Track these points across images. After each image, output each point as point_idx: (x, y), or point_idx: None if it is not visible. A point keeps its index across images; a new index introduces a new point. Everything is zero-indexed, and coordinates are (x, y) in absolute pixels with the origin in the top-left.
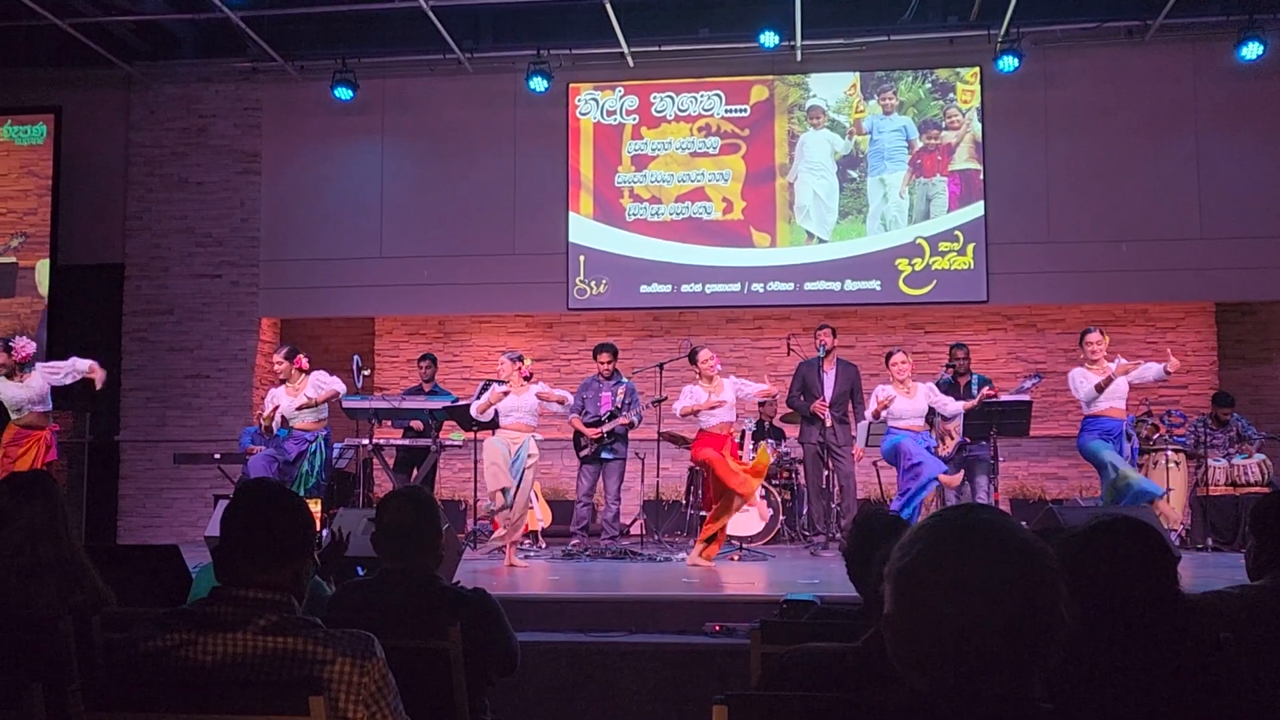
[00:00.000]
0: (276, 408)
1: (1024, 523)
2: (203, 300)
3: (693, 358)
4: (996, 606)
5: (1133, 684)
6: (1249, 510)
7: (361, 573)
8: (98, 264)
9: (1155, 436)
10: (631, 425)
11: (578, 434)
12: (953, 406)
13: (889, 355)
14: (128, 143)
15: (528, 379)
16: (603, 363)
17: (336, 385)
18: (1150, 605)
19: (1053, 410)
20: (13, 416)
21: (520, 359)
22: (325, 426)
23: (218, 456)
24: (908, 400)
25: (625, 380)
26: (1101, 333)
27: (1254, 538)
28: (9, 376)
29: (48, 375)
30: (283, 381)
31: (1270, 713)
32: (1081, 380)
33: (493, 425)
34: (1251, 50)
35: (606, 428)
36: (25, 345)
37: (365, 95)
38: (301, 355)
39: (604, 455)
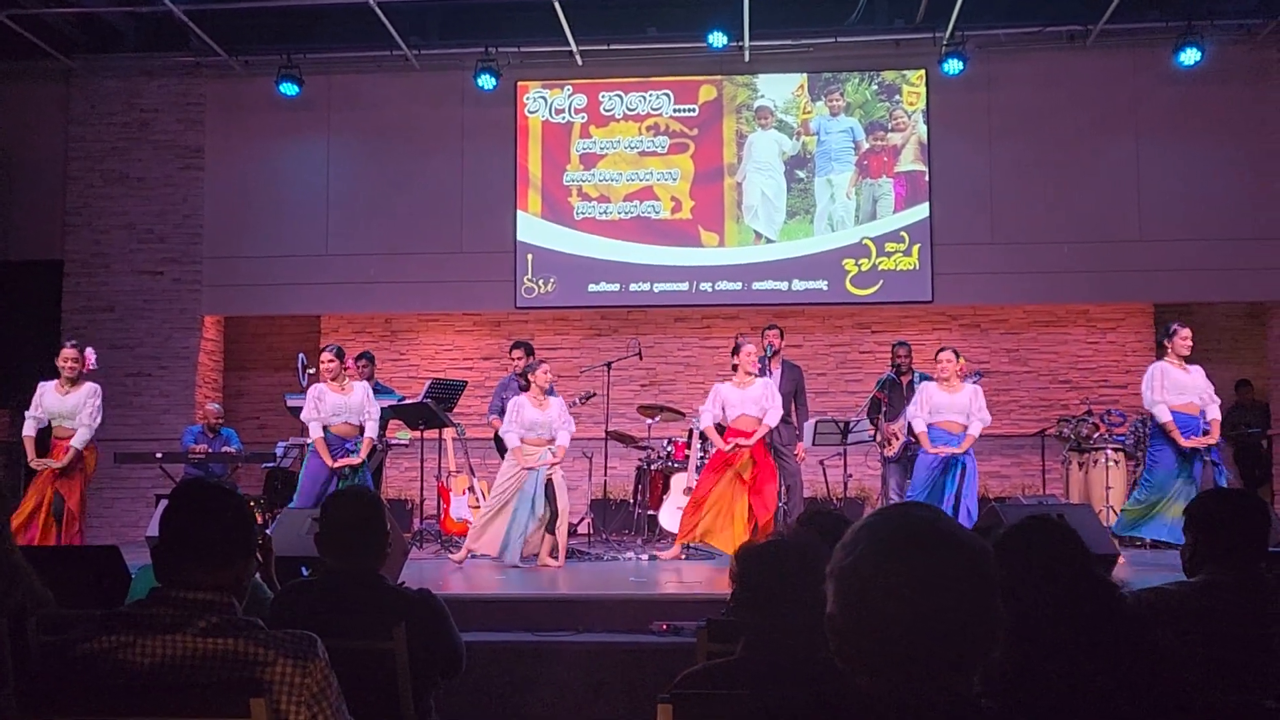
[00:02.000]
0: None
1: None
2: (144, 298)
3: (736, 351)
4: (937, 605)
5: (1068, 679)
6: (1185, 509)
7: (306, 573)
8: (36, 260)
9: (1096, 435)
10: None
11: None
12: (983, 416)
13: (937, 352)
14: (67, 137)
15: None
16: (516, 359)
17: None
18: (1079, 602)
19: (995, 410)
20: None
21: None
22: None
23: (159, 456)
24: (948, 395)
25: None
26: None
27: (1190, 535)
28: None
29: None
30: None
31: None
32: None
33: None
34: (1189, 56)
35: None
36: None
37: (311, 91)
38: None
39: None
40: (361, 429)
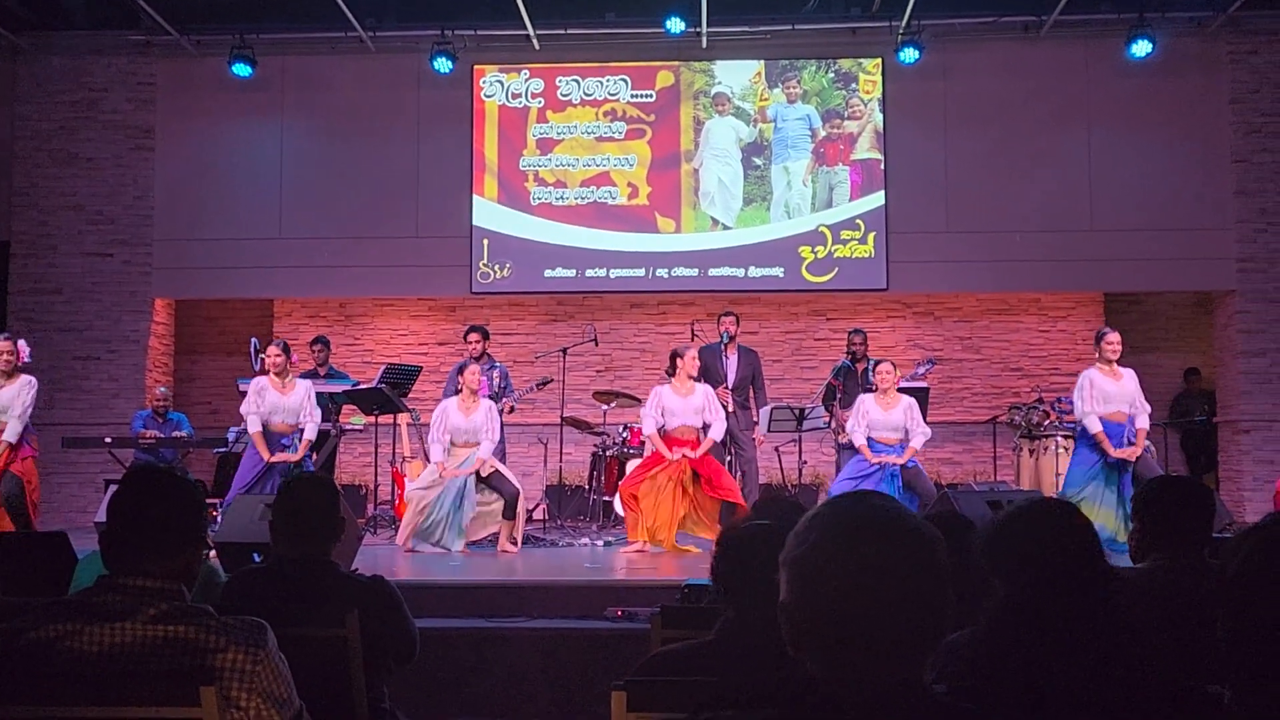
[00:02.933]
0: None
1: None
2: (93, 280)
3: (678, 356)
4: (889, 592)
5: (1063, 659)
6: (1134, 496)
7: (257, 559)
8: None
9: (1046, 423)
10: (511, 410)
11: None
12: (922, 430)
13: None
14: (13, 116)
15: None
16: (472, 342)
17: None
18: (1083, 584)
19: (948, 397)
20: None
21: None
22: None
23: (109, 440)
24: (883, 413)
25: (498, 364)
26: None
27: (1137, 522)
28: None
29: None
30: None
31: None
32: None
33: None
34: (1141, 48)
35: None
36: None
37: (264, 72)
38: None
39: None
40: (301, 430)
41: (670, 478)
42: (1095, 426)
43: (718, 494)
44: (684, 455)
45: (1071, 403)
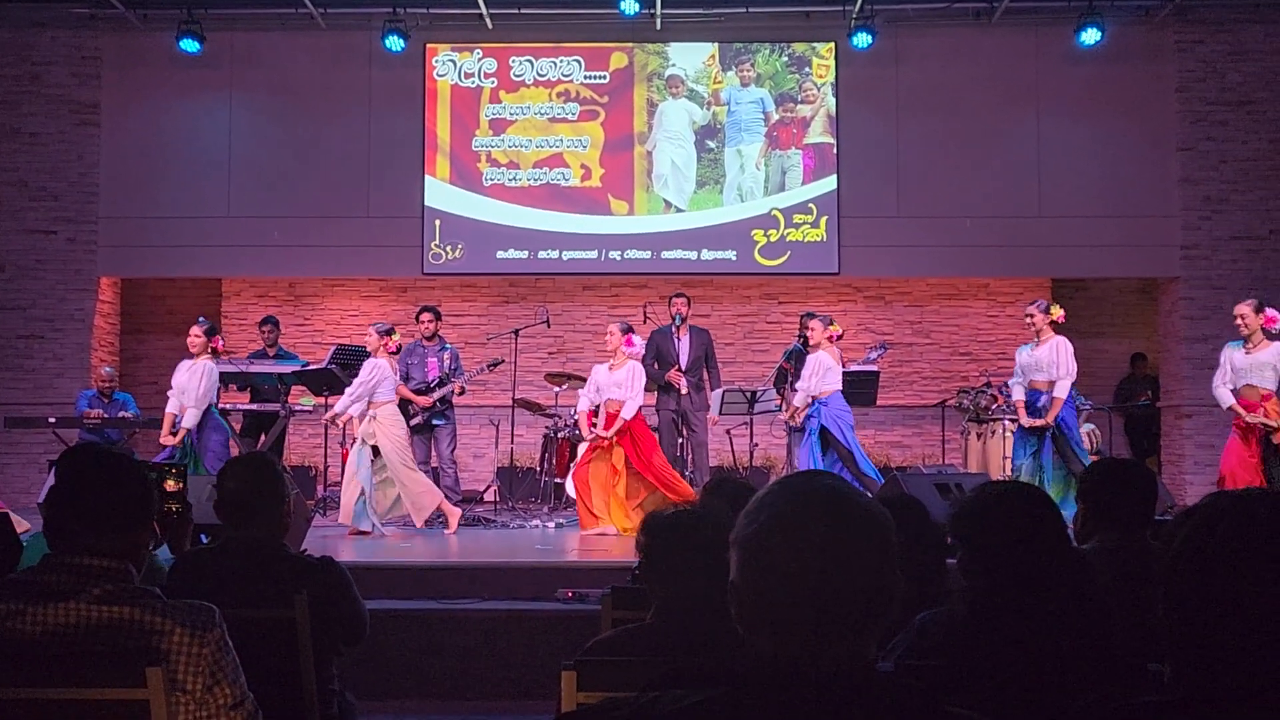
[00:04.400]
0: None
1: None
2: (36, 257)
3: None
4: (838, 571)
5: (1033, 636)
6: (1077, 479)
7: (205, 540)
8: None
9: (994, 406)
10: (461, 391)
11: (405, 402)
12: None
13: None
14: None
15: (395, 353)
16: (425, 322)
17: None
18: (1051, 564)
19: (898, 381)
20: None
21: (390, 332)
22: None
23: (53, 420)
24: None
25: (449, 346)
26: None
27: (1082, 504)
28: None
29: None
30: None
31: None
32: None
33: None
34: (1090, 36)
35: (438, 395)
36: None
37: (212, 48)
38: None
39: (435, 422)
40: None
41: (601, 458)
42: (1018, 394)
43: (646, 474)
44: (597, 435)
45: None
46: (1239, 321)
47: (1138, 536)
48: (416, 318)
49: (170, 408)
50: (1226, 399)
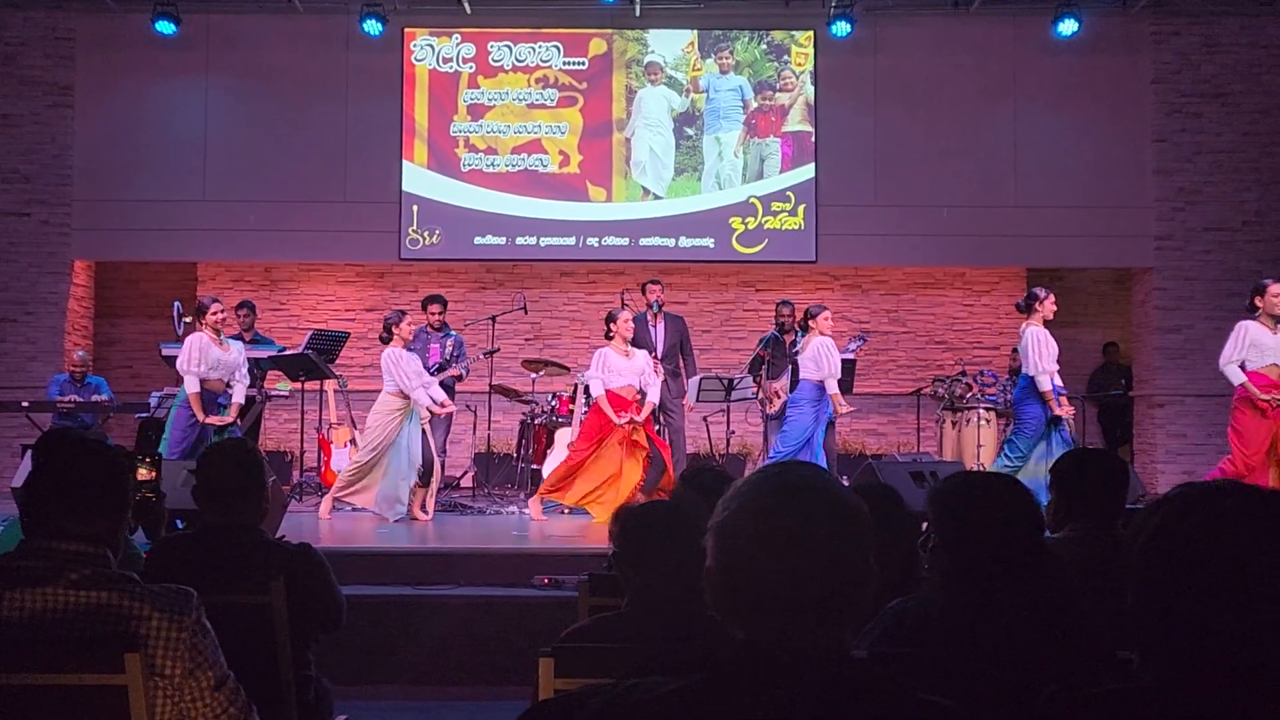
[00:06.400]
0: None
1: (845, 477)
2: (9, 240)
3: (613, 319)
4: (813, 559)
5: (1005, 624)
6: (1049, 468)
7: (180, 526)
8: None
9: (969, 395)
10: (460, 377)
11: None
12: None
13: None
14: None
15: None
16: (433, 313)
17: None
18: (1022, 554)
19: (874, 369)
20: None
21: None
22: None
23: (25, 405)
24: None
25: (453, 333)
26: None
27: (1054, 493)
28: None
29: None
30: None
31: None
32: None
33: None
34: (1067, 27)
35: (437, 380)
36: None
37: (188, 30)
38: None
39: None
40: (230, 390)
41: (613, 448)
42: (1046, 385)
43: (665, 451)
44: (631, 420)
45: (994, 376)
46: (1277, 299)
47: (1110, 526)
48: (424, 307)
49: (236, 397)
50: (1237, 376)
